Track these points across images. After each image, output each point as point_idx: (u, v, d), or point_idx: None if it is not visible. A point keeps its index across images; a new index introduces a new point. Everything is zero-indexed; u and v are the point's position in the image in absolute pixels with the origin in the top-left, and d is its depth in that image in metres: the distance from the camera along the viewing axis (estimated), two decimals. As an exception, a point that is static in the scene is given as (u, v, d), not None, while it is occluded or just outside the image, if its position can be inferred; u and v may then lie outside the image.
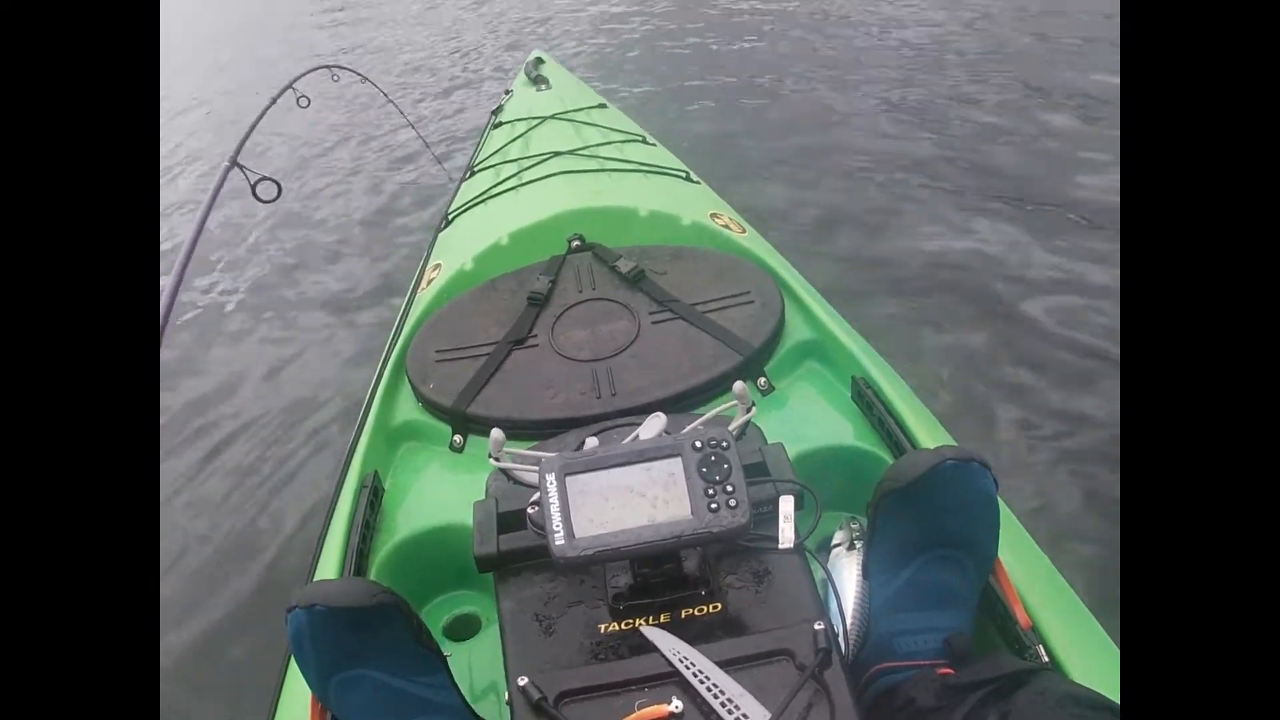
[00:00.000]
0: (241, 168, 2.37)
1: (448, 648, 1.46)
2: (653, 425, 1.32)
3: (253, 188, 2.34)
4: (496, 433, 1.30)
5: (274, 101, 3.23)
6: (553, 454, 1.22)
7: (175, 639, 2.56)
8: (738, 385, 1.32)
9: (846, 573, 1.41)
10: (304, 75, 3.54)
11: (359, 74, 4.52)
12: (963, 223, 4.09)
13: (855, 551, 1.45)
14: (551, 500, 1.14)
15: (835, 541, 1.51)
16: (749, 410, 1.32)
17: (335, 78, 4.06)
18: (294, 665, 1.41)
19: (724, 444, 1.16)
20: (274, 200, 2.35)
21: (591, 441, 1.44)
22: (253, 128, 2.81)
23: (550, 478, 1.15)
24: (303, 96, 3.44)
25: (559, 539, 1.11)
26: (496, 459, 1.31)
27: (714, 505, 1.12)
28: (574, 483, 1.15)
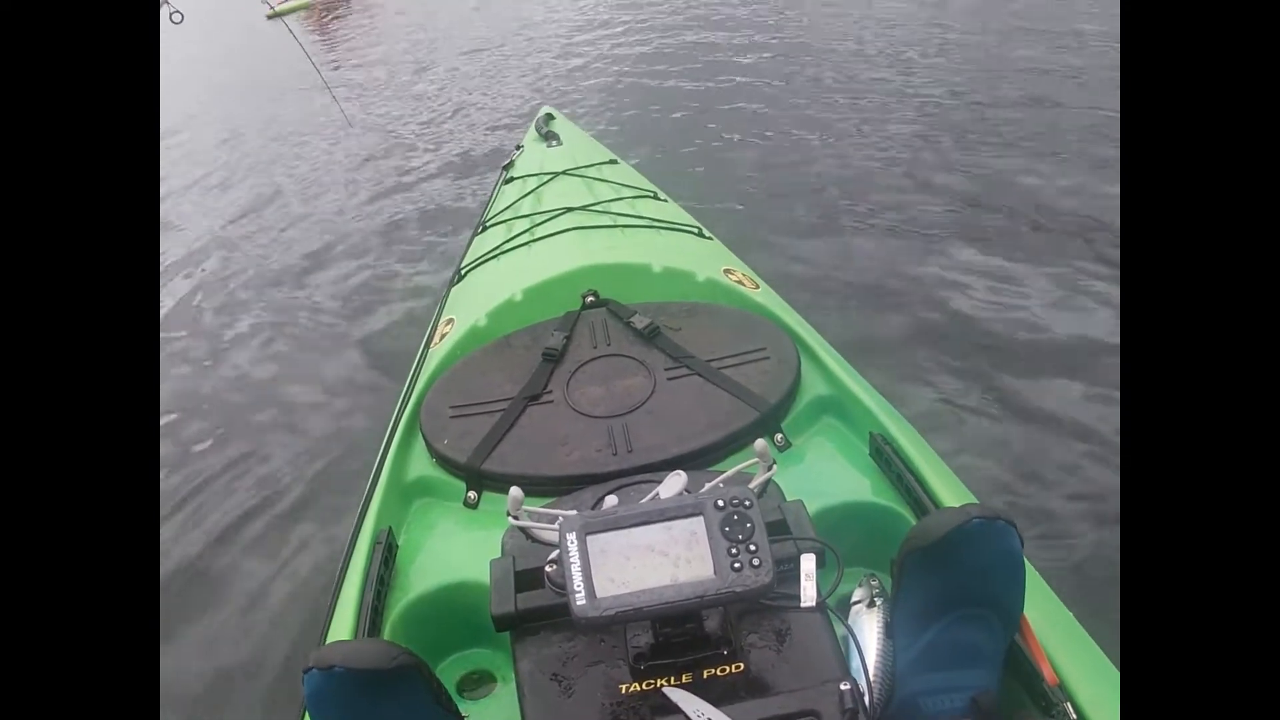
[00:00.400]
0: None
1: (463, 706, 1.44)
2: (673, 484, 1.31)
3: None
4: (515, 491, 1.29)
5: None
6: (572, 512, 1.22)
7: (185, 694, 2.53)
8: (759, 443, 1.31)
9: (867, 630, 1.40)
10: None
11: None
12: (981, 271, 4.10)
13: (876, 608, 1.44)
14: (572, 559, 1.13)
15: (855, 598, 1.49)
16: (770, 469, 1.32)
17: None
18: None
19: (746, 503, 1.15)
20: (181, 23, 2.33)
21: (610, 499, 1.43)
22: None
23: (571, 537, 1.14)
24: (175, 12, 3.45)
25: (580, 599, 1.10)
26: (515, 517, 1.30)
27: (737, 564, 1.11)
28: (595, 541, 1.14)
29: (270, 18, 20.75)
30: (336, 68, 12.37)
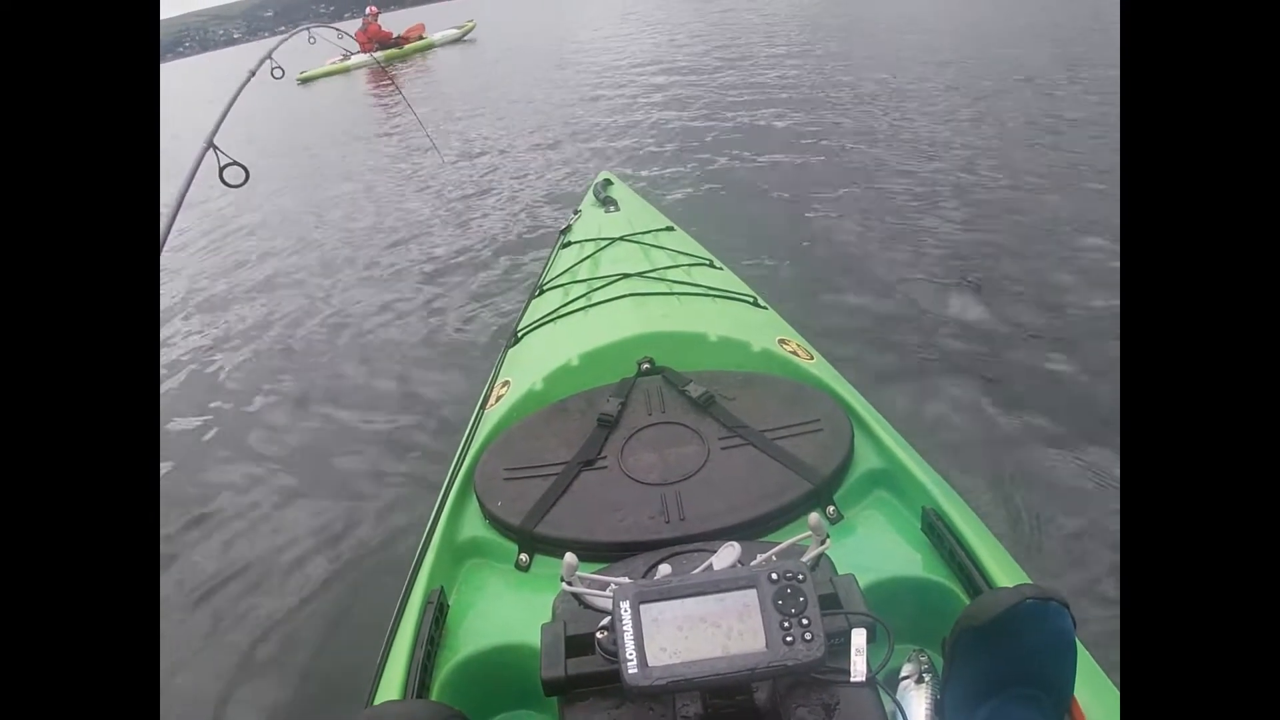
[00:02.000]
0: (216, 149, 2.32)
1: None
2: (727, 555, 1.31)
3: (220, 171, 2.29)
4: (570, 557, 1.30)
5: (252, 75, 3.26)
6: (626, 580, 1.22)
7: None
8: (813, 517, 1.31)
9: (916, 705, 1.39)
10: (280, 43, 3.64)
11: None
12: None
13: (925, 684, 1.43)
14: (625, 628, 1.13)
15: (904, 674, 1.49)
16: (823, 543, 1.32)
17: (312, 40, 4.11)
18: None
19: (800, 577, 1.15)
20: (242, 185, 2.31)
21: (663, 568, 1.43)
22: (229, 106, 2.73)
23: (625, 605, 1.15)
24: (277, 67, 3.53)
25: (632, 667, 1.11)
26: (569, 583, 1.31)
27: (789, 638, 1.11)
28: (648, 610, 1.15)
29: (301, 82, 21.60)
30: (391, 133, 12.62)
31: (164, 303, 6.64)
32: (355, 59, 23.17)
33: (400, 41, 25.65)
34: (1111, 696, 1.46)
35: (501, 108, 13.10)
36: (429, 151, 8.13)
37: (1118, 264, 4.51)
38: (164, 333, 6.00)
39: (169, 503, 3.83)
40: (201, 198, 8.91)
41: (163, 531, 3.62)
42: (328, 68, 23.27)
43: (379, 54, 23.83)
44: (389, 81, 18.35)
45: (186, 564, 3.45)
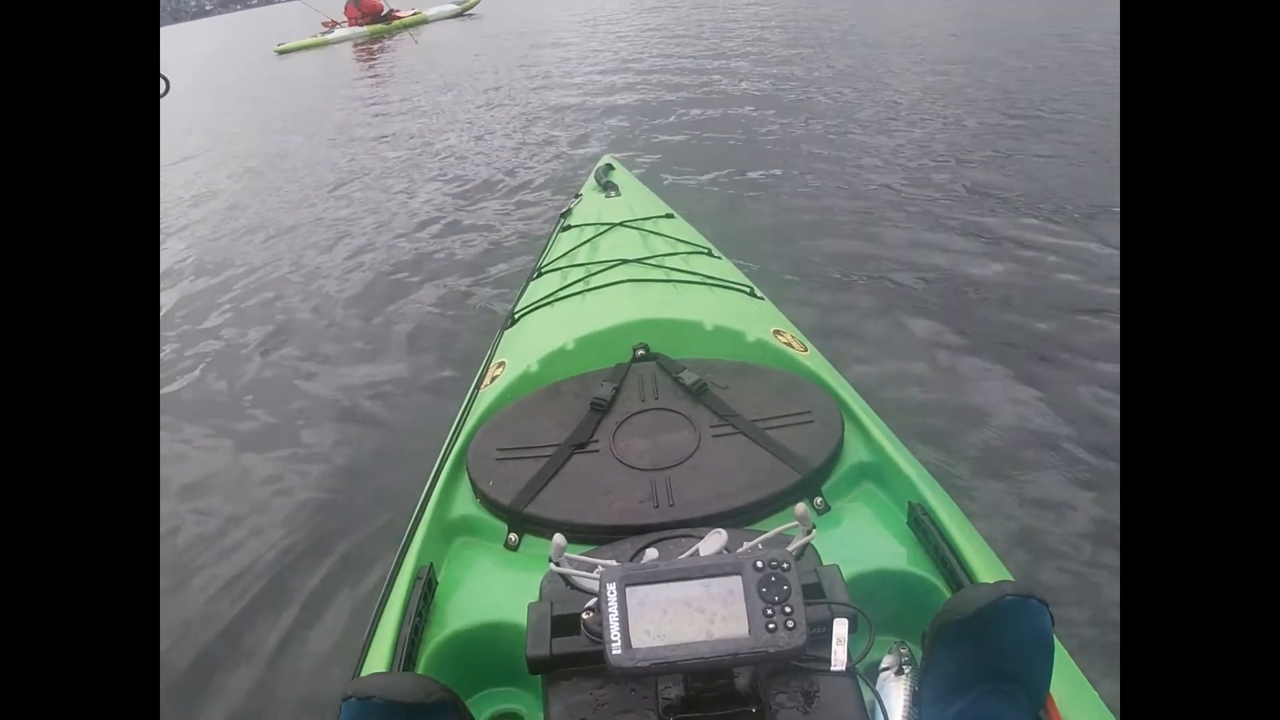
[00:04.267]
0: None
1: None
2: (713, 541, 1.33)
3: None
4: (559, 539, 1.32)
5: None
6: (613, 563, 1.24)
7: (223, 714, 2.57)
8: (799, 508, 1.32)
9: (894, 697, 1.41)
10: None
11: None
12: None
13: (904, 676, 1.45)
14: (611, 610, 1.15)
15: (884, 665, 1.51)
16: (809, 533, 1.33)
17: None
18: None
19: (784, 565, 1.17)
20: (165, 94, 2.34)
21: (650, 552, 1.45)
22: None
23: (611, 587, 1.17)
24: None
25: (616, 648, 1.12)
26: (557, 564, 1.32)
27: (772, 625, 1.13)
28: (634, 593, 1.16)
29: (280, 54, 21.43)
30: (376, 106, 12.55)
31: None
32: (338, 32, 22.87)
33: (391, 16, 24.97)
34: (1088, 696, 1.48)
35: (495, 90, 13.02)
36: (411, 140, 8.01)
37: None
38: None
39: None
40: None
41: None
42: (308, 40, 22.94)
43: (364, 28, 23.51)
44: (372, 58, 18.14)
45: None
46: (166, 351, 5.18)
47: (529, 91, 12.52)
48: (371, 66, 17.66)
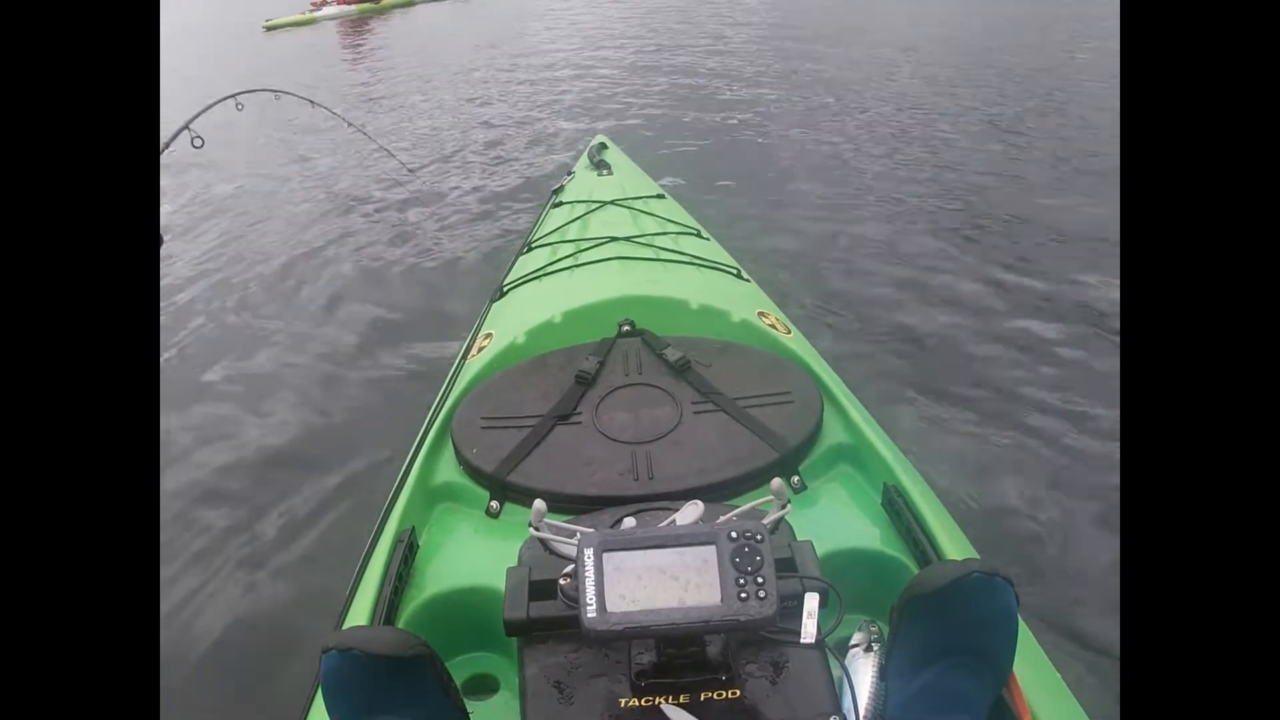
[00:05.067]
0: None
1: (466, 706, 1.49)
2: (690, 512, 1.35)
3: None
4: (539, 504, 1.34)
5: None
6: (591, 530, 1.26)
7: (200, 672, 2.60)
8: (775, 482, 1.35)
9: (862, 673, 1.43)
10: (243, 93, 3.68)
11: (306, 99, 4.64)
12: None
13: (872, 653, 1.47)
14: (587, 574, 1.17)
15: (854, 642, 1.53)
16: (784, 508, 1.35)
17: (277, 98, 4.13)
18: (318, 704, 1.44)
19: (758, 537, 1.19)
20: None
21: (629, 521, 1.46)
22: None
23: (588, 552, 1.18)
24: (196, 138, 3.65)
25: (591, 612, 1.14)
26: (536, 528, 1.34)
27: (743, 594, 1.15)
28: (610, 559, 1.18)
29: (268, 30, 21.22)
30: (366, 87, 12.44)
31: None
32: (326, 10, 22.61)
33: None
34: (1050, 677, 1.51)
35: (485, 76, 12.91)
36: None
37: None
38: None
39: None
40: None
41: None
42: (296, 17, 22.68)
43: (353, 7, 23.27)
44: (361, 38, 17.92)
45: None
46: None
47: (521, 69, 12.46)
48: (357, 46, 17.44)
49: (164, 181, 6.87)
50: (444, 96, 11.14)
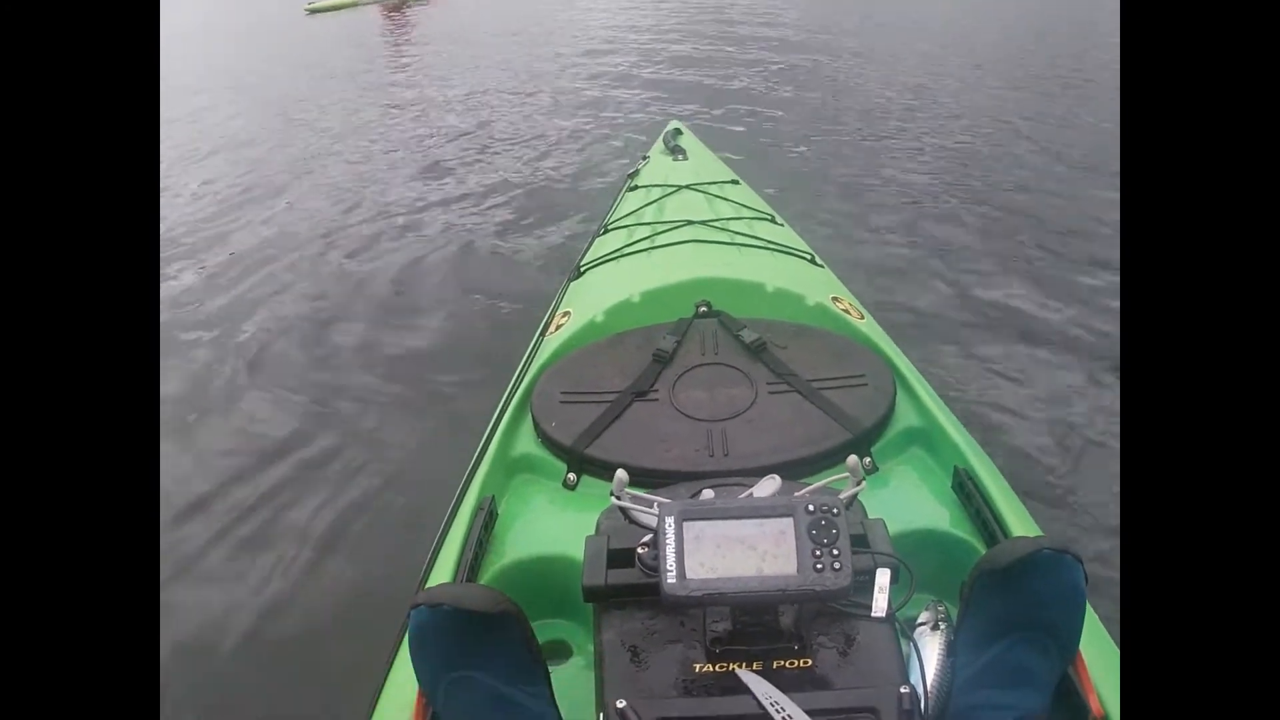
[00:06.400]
0: None
1: None
2: (767, 485, 1.37)
3: None
4: (621, 473, 1.37)
5: None
6: (671, 500, 1.30)
7: (278, 631, 2.70)
8: (851, 459, 1.37)
9: (929, 651, 1.45)
10: None
11: None
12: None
13: (939, 632, 1.49)
14: (668, 541, 1.20)
15: (920, 621, 1.55)
16: (859, 484, 1.37)
17: None
18: (400, 661, 1.50)
19: (835, 510, 1.22)
20: None
21: (707, 493, 1.48)
22: None
23: (669, 520, 1.22)
24: None
25: (671, 578, 1.18)
26: (618, 497, 1.37)
27: (819, 565, 1.18)
28: (690, 528, 1.21)
29: (310, 13, 20.88)
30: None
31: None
32: None
33: None
34: (1114, 657, 1.53)
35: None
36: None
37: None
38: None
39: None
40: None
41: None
42: (338, 0, 22.23)
43: None
44: (405, 30, 17.47)
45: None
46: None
47: (582, 55, 12.37)
48: (402, 33, 17.19)
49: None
50: (503, 81, 11.16)
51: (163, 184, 7.31)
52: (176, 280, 5.46)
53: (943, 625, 1.50)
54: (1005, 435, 3.31)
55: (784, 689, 1.16)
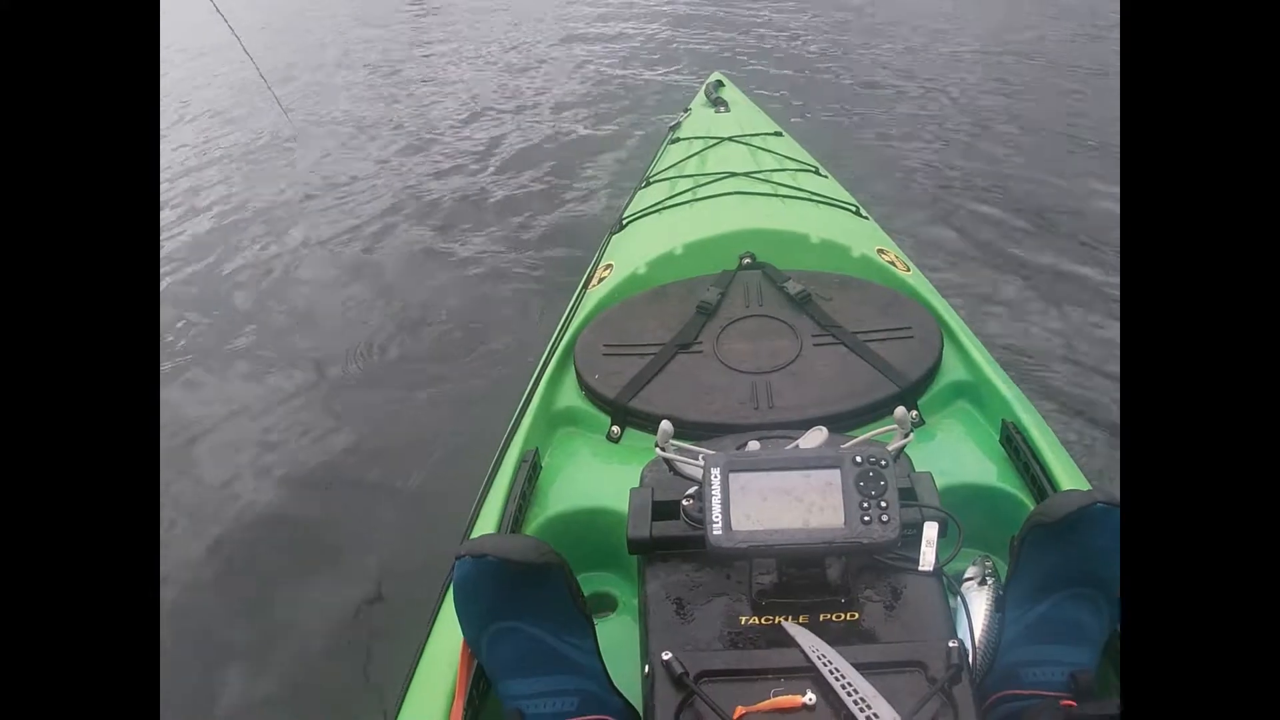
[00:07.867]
0: None
1: None
2: (814, 437, 1.37)
3: None
4: (666, 425, 1.36)
5: None
6: (716, 452, 1.29)
7: (322, 587, 2.74)
8: (899, 411, 1.35)
9: (976, 606, 1.44)
10: None
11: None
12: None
13: (987, 587, 1.48)
14: (714, 493, 1.20)
15: (968, 575, 1.54)
16: (907, 436, 1.36)
17: None
18: (444, 613, 1.51)
19: (883, 462, 1.21)
20: None
21: (753, 444, 1.47)
22: None
23: (715, 471, 1.22)
24: None
25: (717, 529, 1.18)
26: (663, 449, 1.36)
27: (866, 518, 1.17)
28: (736, 479, 1.21)
29: None
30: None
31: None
32: None
33: None
34: None
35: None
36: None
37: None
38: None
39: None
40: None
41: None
42: None
43: None
44: None
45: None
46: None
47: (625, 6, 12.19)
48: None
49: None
50: (544, 34, 11.03)
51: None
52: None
53: (990, 580, 1.49)
54: (1053, 389, 3.27)
55: (830, 642, 1.15)
